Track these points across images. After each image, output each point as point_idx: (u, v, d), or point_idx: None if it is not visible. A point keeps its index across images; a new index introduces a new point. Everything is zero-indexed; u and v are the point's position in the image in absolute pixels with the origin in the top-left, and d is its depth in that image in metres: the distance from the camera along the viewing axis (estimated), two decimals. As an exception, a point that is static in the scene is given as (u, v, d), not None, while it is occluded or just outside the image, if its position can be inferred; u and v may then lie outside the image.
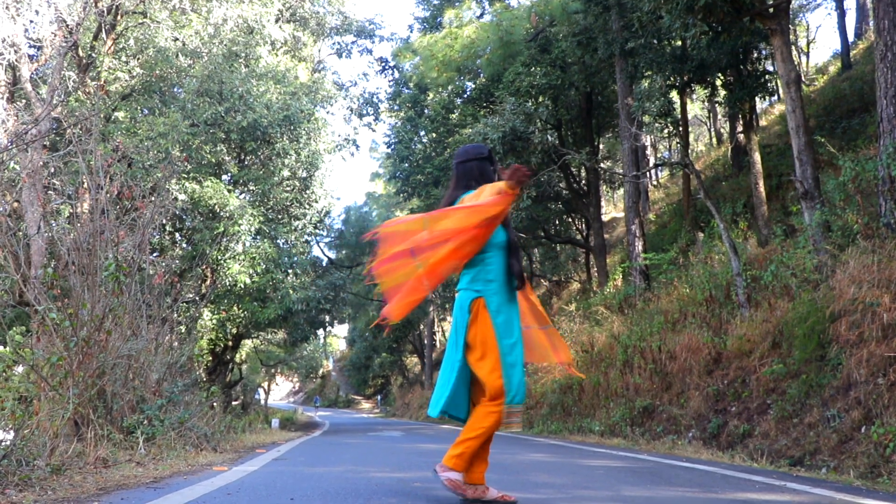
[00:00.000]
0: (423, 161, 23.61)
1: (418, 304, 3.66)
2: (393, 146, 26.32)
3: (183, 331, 12.40)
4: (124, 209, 7.92)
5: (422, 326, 40.12)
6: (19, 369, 6.30)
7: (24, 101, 13.10)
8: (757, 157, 14.61)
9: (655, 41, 15.30)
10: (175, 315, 10.06)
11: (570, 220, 24.74)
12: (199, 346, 16.52)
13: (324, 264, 28.54)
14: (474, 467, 3.65)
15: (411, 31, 28.55)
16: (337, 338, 59.96)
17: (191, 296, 15.75)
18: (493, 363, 3.59)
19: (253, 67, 17.58)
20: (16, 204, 11.62)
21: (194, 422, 7.47)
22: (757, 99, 17.84)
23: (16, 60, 12.08)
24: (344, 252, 34.81)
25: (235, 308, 17.72)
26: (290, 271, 18.58)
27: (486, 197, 3.55)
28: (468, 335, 3.62)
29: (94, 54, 14.75)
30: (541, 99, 18.17)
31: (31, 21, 12.92)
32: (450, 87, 22.97)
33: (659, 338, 11.40)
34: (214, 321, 17.33)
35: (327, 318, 25.01)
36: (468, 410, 3.72)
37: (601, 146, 25.03)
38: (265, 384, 44.71)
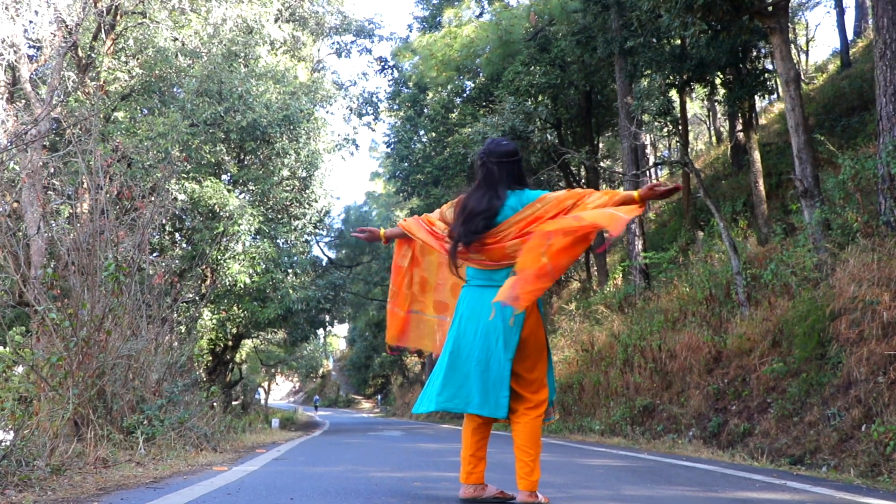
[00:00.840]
0: (422, 160, 23.61)
1: (541, 295, 3.56)
2: (392, 145, 26.32)
3: (183, 331, 12.41)
4: (124, 209, 7.92)
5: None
6: (19, 369, 6.30)
7: (23, 101, 13.10)
8: (756, 155, 14.61)
9: (655, 40, 15.29)
10: (175, 315, 10.05)
11: (569, 219, 24.70)
12: (199, 345, 16.54)
13: (324, 264, 28.54)
14: (475, 468, 3.64)
15: (410, 31, 28.55)
16: (337, 337, 59.99)
17: (191, 296, 15.75)
18: (542, 366, 3.64)
19: (252, 67, 17.57)
20: (15, 204, 11.62)
21: (194, 422, 7.47)
22: (756, 97, 17.84)
23: (15, 61, 12.07)
24: (344, 252, 34.81)
25: (235, 308, 17.74)
26: (289, 271, 18.59)
27: (609, 204, 3.43)
28: (522, 334, 3.58)
29: (93, 54, 14.75)
30: (540, 98, 18.19)
31: (31, 21, 12.91)
32: (449, 87, 22.97)
33: (659, 337, 11.40)
34: (214, 321, 17.34)
35: (327, 317, 25.04)
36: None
37: (601, 145, 25.03)
38: (265, 384, 44.76)
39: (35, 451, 4.55)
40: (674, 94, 18.10)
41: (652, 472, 5.61)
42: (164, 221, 13.33)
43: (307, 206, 19.95)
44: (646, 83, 17.46)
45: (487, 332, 3.56)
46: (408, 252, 4.10)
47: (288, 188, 19.12)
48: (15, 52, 11.94)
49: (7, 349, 6.10)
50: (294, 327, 21.59)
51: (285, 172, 18.37)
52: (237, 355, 27.08)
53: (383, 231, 4.12)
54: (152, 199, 8.91)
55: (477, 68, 21.95)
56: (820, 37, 68.99)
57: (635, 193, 3.39)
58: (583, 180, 21.79)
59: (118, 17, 15.11)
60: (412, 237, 3.97)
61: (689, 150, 21.67)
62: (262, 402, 39.73)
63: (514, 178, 3.70)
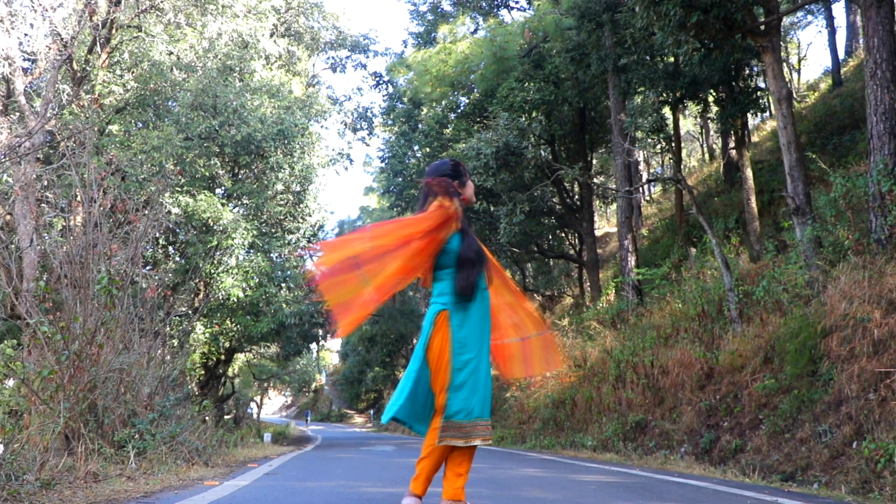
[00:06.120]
0: (416, 175, 23.66)
1: (367, 318, 3.69)
2: (387, 160, 26.39)
3: (175, 344, 12.37)
4: (117, 222, 7.92)
5: (414, 340, 40.09)
6: (10, 383, 6.28)
7: (17, 113, 13.09)
8: (749, 172, 14.70)
9: (648, 57, 15.41)
10: (167, 329, 10.03)
11: (563, 234, 24.79)
12: (192, 359, 16.47)
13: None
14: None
15: (405, 47, 28.73)
16: (330, 352, 59.85)
17: (183, 309, 15.70)
18: (443, 380, 3.55)
19: (247, 81, 17.60)
20: (8, 216, 11.60)
21: (186, 436, 7.44)
22: (749, 115, 17.99)
23: (10, 73, 12.08)
24: (337, 266, 34.72)
25: (228, 322, 17.67)
26: (283, 285, 18.54)
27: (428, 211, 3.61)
28: (429, 347, 3.57)
29: (88, 68, 14.77)
30: (534, 114, 18.27)
31: (26, 34, 12.94)
32: (444, 102, 23.06)
33: (651, 353, 11.41)
34: (207, 335, 17.27)
35: (320, 332, 24.93)
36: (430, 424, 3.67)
37: (594, 161, 25.11)
38: (257, 398, 44.56)
39: (25, 465, 4.53)
40: (667, 111, 18.23)
41: (644, 488, 5.61)
42: (157, 235, 13.31)
43: (301, 221, 19.93)
44: (639, 100, 17.59)
45: (417, 346, 3.65)
46: None
47: (282, 202, 19.11)
48: (10, 64, 11.95)
49: (-2, 362, 6.08)
50: (287, 341, 21.52)
51: (279, 187, 18.37)
52: (230, 369, 26.98)
53: None
54: (146, 212, 8.91)
55: (471, 84, 22.05)
56: (812, 56, 69.70)
57: (441, 198, 3.68)
58: (576, 196, 21.88)
59: (114, 31, 15.14)
60: None
61: (681, 166, 21.76)
62: (255, 416, 39.56)
63: (425, 196, 3.82)
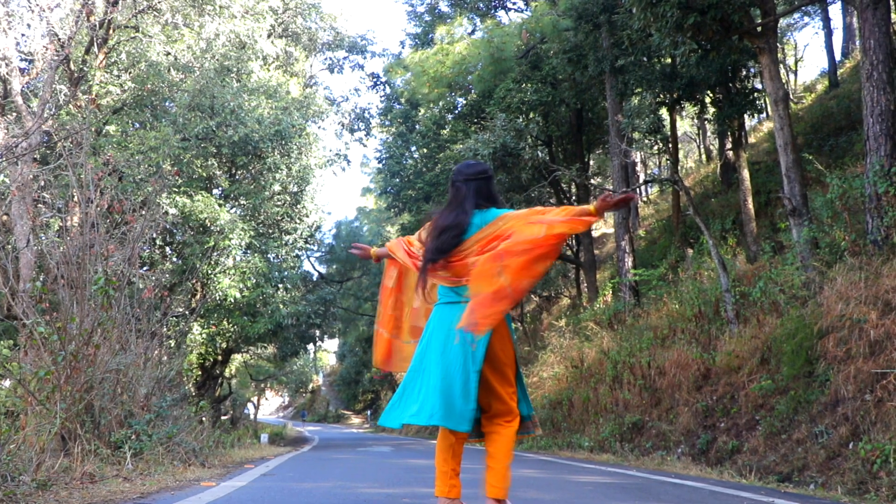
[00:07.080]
0: (414, 176, 23.63)
1: (501, 317, 3.55)
2: (384, 161, 26.36)
3: (172, 345, 12.36)
4: (114, 223, 7.92)
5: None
6: (6, 383, 6.27)
7: (14, 114, 13.08)
8: (746, 173, 14.71)
9: (645, 59, 15.40)
10: (164, 329, 10.02)
11: (560, 235, 24.70)
12: (189, 360, 16.47)
13: (314, 279, 28.55)
14: (455, 483, 3.60)
15: (403, 47, 28.72)
16: (327, 352, 59.77)
17: (180, 310, 15.68)
18: (513, 379, 3.60)
19: (245, 82, 17.60)
20: (5, 217, 11.58)
21: (183, 437, 7.43)
22: (745, 116, 18.00)
23: (7, 73, 12.07)
24: (334, 267, 34.79)
25: (225, 322, 17.66)
26: (280, 286, 18.55)
27: (565, 216, 3.46)
28: (493, 346, 3.54)
29: (85, 68, 14.74)
30: (531, 115, 18.26)
31: (23, 34, 12.92)
32: (441, 103, 23.03)
33: (648, 353, 11.42)
34: (204, 335, 17.26)
35: (317, 332, 24.96)
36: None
37: (591, 162, 25.13)
38: (255, 399, 44.52)
39: (21, 466, 4.53)
40: (664, 112, 18.23)
41: (640, 489, 5.61)
42: (154, 235, 13.32)
43: (298, 221, 19.95)
44: (636, 101, 17.57)
45: (454, 346, 3.52)
46: (394, 273, 4.12)
47: (279, 203, 19.11)
48: (6, 64, 11.94)
49: (-6, 363, 6.07)
50: (284, 342, 21.53)
51: (276, 187, 18.37)
52: (227, 370, 26.96)
53: (374, 250, 4.17)
54: (143, 212, 8.90)
55: (469, 85, 22.03)
56: (808, 57, 69.81)
57: (591, 207, 3.41)
58: (573, 197, 21.89)
59: (111, 31, 15.12)
60: (395, 258, 4.00)
61: (678, 167, 21.80)
62: (252, 417, 39.51)
63: (482, 196, 3.75)
